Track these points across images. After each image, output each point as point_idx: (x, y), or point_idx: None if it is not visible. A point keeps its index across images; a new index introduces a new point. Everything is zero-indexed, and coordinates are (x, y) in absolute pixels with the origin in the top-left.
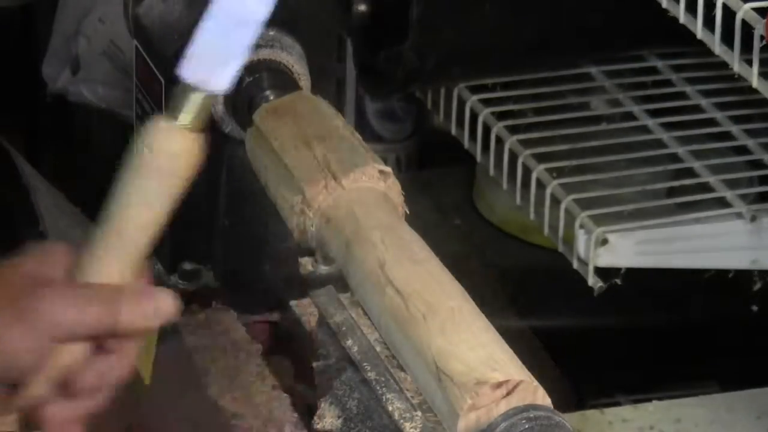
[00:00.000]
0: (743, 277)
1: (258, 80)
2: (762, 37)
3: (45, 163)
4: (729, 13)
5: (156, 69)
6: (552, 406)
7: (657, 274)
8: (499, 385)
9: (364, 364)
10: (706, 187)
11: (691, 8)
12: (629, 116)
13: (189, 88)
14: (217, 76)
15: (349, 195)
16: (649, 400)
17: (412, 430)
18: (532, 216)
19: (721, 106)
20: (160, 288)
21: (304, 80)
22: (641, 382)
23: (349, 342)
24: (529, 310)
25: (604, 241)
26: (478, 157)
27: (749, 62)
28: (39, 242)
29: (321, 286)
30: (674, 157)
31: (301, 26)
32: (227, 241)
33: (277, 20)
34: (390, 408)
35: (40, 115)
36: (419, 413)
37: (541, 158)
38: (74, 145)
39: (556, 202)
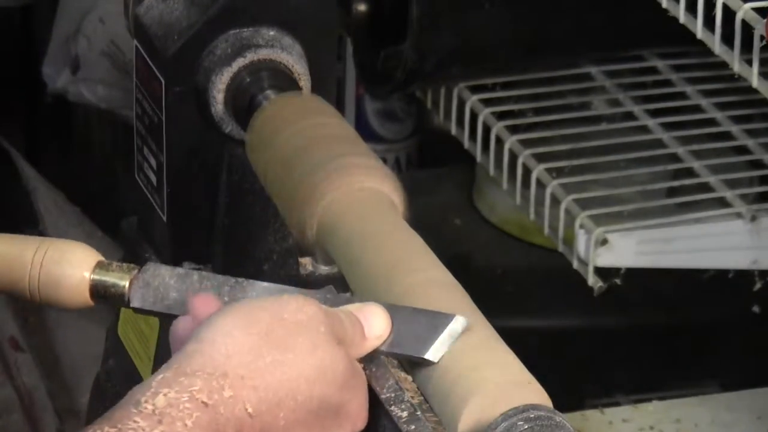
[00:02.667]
0: (743, 277)
1: (258, 80)
2: (762, 37)
3: (45, 163)
4: (729, 13)
5: (156, 69)
6: (552, 406)
7: (657, 274)
8: (499, 385)
9: (364, 364)
10: (706, 187)
11: (691, 8)
12: (629, 116)
13: None
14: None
15: (348, 195)
16: (649, 400)
17: (412, 430)
18: (532, 216)
19: (721, 106)
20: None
21: (304, 80)
22: (641, 382)
23: None
24: (529, 310)
25: (604, 241)
26: (478, 157)
27: (749, 62)
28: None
29: (321, 286)
30: (674, 157)
31: (301, 26)
32: (227, 241)
33: (277, 20)
34: (390, 408)
35: (40, 115)
36: (419, 413)
37: (541, 158)
38: (74, 145)
39: (556, 202)
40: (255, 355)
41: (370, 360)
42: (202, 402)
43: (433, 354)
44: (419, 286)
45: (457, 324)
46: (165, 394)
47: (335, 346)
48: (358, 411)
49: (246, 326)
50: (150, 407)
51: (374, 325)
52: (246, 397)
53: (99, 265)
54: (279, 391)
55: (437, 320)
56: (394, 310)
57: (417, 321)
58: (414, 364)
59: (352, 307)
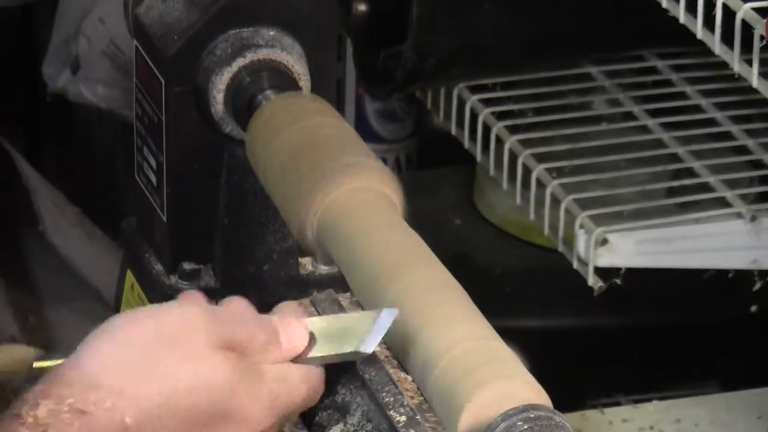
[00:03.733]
0: (743, 277)
1: (258, 80)
2: (762, 37)
3: (45, 163)
4: (729, 13)
5: (156, 69)
6: (552, 406)
7: (657, 274)
8: (498, 385)
9: (364, 364)
10: (706, 187)
11: (691, 8)
12: (629, 116)
13: None
14: None
15: (348, 195)
16: (649, 400)
17: (411, 430)
18: (532, 216)
19: (721, 106)
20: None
21: (304, 80)
22: (641, 382)
23: None
24: (529, 310)
25: (604, 241)
26: (478, 157)
27: (749, 62)
28: (39, 242)
29: (321, 287)
30: (674, 157)
31: (301, 26)
32: (227, 241)
33: (277, 20)
34: (389, 409)
35: (40, 115)
36: (418, 416)
37: (541, 158)
38: (74, 145)
39: (556, 202)
40: (131, 369)
41: (369, 363)
42: (81, 411)
43: (364, 347)
44: (419, 286)
45: (385, 316)
46: (45, 405)
47: (216, 354)
48: (257, 414)
49: (122, 341)
50: (32, 419)
51: (292, 334)
52: (124, 408)
53: None
54: (159, 403)
55: (365, 317)
56: (321, 319)
57: (346, 322)
58: (411, 366)
59: (273, 317)
